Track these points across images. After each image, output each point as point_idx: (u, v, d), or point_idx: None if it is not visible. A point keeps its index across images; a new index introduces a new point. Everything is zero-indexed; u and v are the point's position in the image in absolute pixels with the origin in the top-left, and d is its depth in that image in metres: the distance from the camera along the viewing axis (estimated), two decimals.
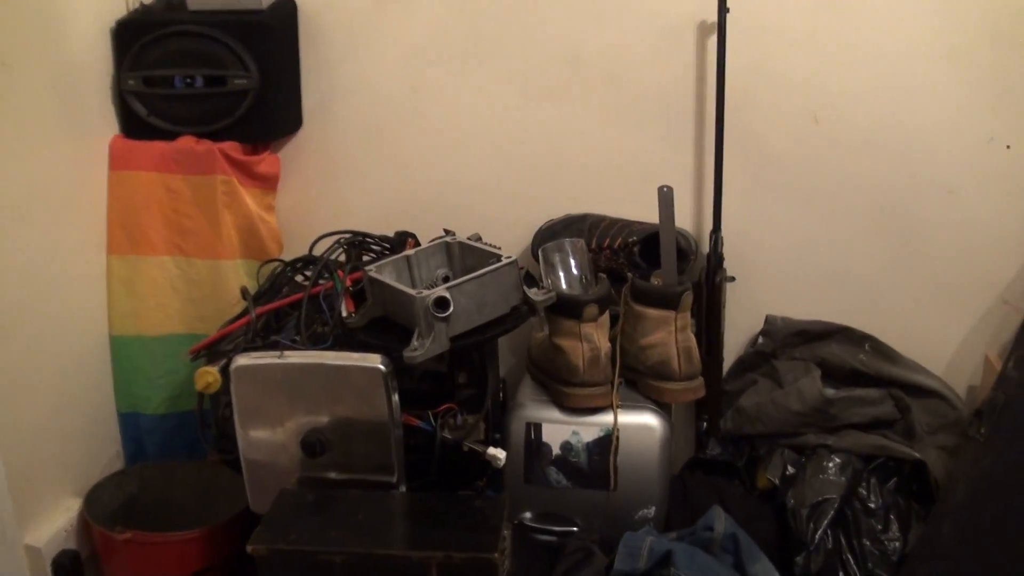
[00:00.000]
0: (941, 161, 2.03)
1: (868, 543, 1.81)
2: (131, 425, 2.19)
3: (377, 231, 2.05)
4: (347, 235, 1.99)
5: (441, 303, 1.59)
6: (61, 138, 1.95)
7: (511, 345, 2.17)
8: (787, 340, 2.09)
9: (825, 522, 1.80)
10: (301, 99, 2.21)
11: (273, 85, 2.07)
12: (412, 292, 1.61)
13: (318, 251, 2.00)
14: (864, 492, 1.86)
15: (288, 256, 2.07)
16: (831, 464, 1.88)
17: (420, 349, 1.59)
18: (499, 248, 1.76)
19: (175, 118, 2.09)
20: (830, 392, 1.98)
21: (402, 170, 2.23)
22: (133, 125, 2.10)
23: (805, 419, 1.96)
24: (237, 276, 2.12)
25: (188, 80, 2.06)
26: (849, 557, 1.80)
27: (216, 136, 2.08)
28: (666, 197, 1.83)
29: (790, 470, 1.93)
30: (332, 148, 2.23)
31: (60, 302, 1.98)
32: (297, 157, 2.24)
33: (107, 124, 2.10)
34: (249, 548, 1.47)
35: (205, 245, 2.11)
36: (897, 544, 1.81)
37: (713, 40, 1.99)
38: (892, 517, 1.84)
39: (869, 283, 2.11)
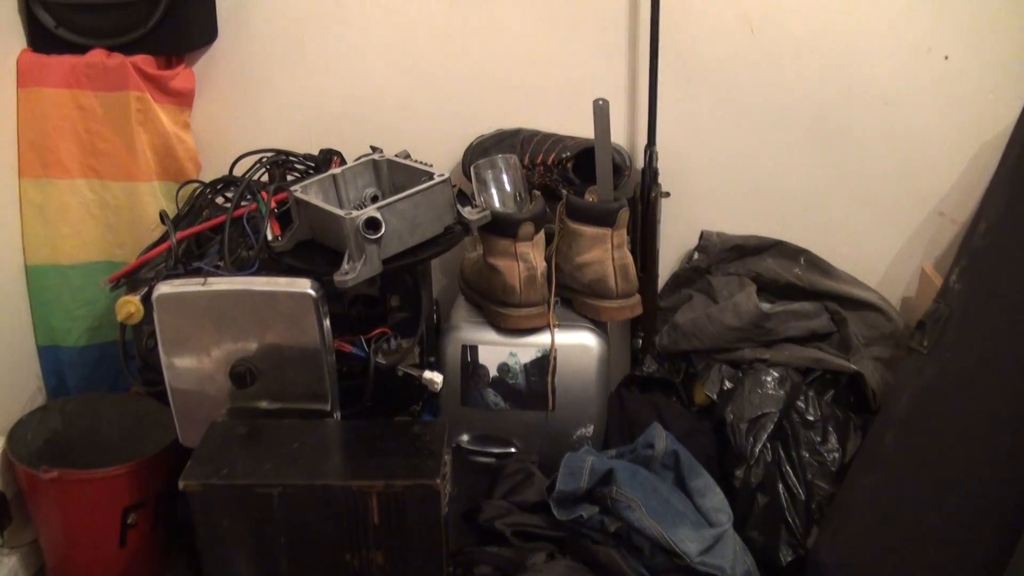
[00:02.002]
0: (878, 72, 2.01)
1: (807, 455, 1.83)
2: (51, 359, 2.13)
3: (299, 149, 1.98)
4: (269, 154, 1.91)
5: (372, 224, 1.53)
6: None
7: (442, 265, 2.14)
8: (722, 255, 2.08)
9: (765, 436, 1.81)
10: (215, 8, 2.10)
11: None
12: (341, 213, 1.55)
13: (238, 172, 1.93)
14: (802, 405, 1.87)
15: (206, 177, 2.00)
16: (769, 378, 1.88)
17: (351, 273, 1.54)
18: (430, 165, 1.71)
19: (85, 29, 1.99)
20: (766, 306, 1.98)
21: (324, 84, 2.14)
22: (41, 38, 2.00)
23: (741, 334, 1.96)
24: (155, 199, 2.05)
25: None
26: (788, 469, 1.82)
27: (128, 49, 1.99)
28: (601, 110, 1.79)
29: (727, 385, 1.93)
30: (249, 61, 2.14)
31: None
32: (212, 71, 2.15)
33: (13, 37, 1.99)
34: (181, 484, 1.42)
35: (120, 166, 2.02)
36: (836, 455, 1.83)
37: None
38: (830, 429, 1.86)
39: (804, 196, 2.10)
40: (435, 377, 1.66)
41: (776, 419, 1.83)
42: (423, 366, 1.73)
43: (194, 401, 1.65)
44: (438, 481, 1.40)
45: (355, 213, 1.54)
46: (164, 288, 1.59)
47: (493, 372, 1.81)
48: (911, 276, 2.13)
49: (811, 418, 1.86)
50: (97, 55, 1.98)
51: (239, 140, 2.05)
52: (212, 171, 2.06)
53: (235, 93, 2.16)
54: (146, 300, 1.61)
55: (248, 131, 2.13)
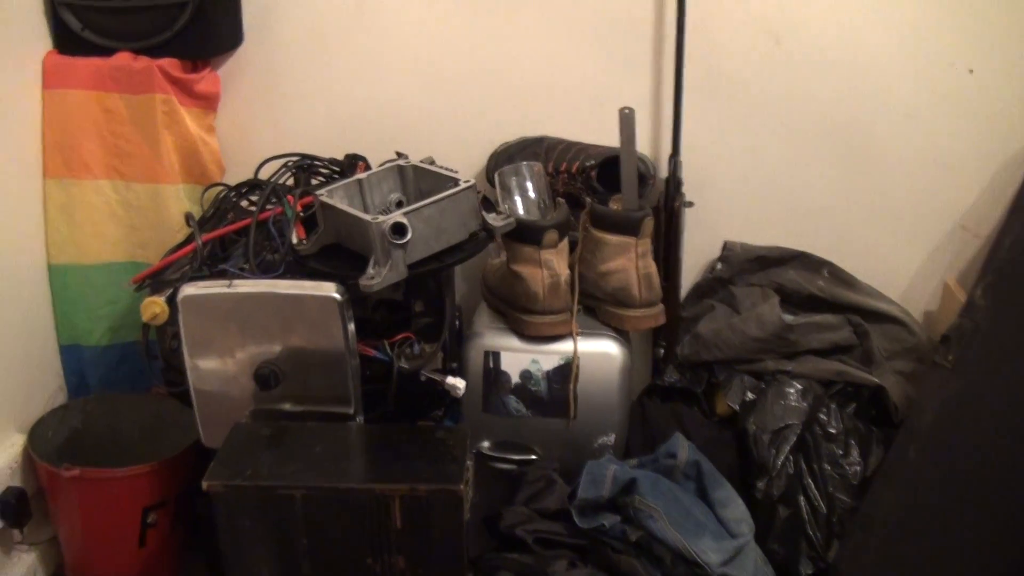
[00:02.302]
0: (901, 85, 2.01)
1: (829, 467, 1.82)
2: (73, 358, 2.13)
3: (323, 154, 1.98)
4: (295, 158, 1.92)
5: (398, 229, 1.53)
6: None
7: (463, 272, 2.14)
8: (745, 266, 2.07)
9: (787, 448, 1.81)
10: (241, 13, 2.11)
11: None
12: (367, 217, 1.55)
13: (263, 175, 1.94)
14: (824, 417, 1.86)
15: (230, 180, 2.01)
16: (792, 390, 1.88)
17: (377, 277, 1.54)
18: (455, 172, 1.71)
19: (111, 32, 1.99)
20: (789, 318, 1.97)
21: (348, 89, 2.15)
22: (67, 40, 2.00)
23: (764, 345, 1.95)
24: (179, 201, 2.05)
25: None
26: (810, 481, 1.81)
27: (153, 52, 1.99)
28: (627, 119, 1.79)
29: (750, 396, 1.93)
30: (274, 66, 2.15)
31: None
32: (237, 75, 2.15)
33: (39, 39, 2.00)
34: (204, 485, 1.42)
35: (145, 168, 2.03)
36: (857, 468, 1.83)
37: None
38: (852, 442, 1.85)
39: (827, 208, 2.10)
40: (458, 383, 1.66)
41: (798, 431, 1.82)
42: (446, 371, 1.73)
43: (217, 402, 1.65)
44: (461, 487, 1.39)
45: (381, 218, 1.54)
46: (189, 290, 1.59)
47: (515, 379, 1.81)
48: (934, 290, 2.12)
49: (833, 431, 1.86)
50: (123, 58, 1.98)
51: (263, 144, 2.06)
52: (235, 174, 2.07)
53: (260, 97, 2.17)
54: (171, 301, 1.61)
55: (272, 135, 2.13)
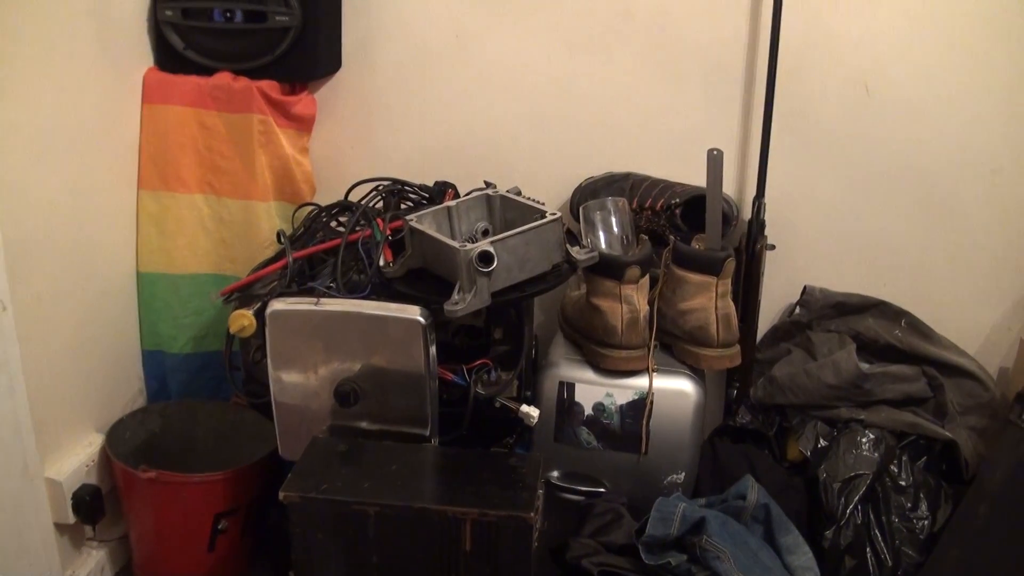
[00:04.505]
0: (989, 139, 1.99)
1: (897, 520, 1.80)
2: (155, 363, 2.18)
3: (412, 180, 2.01)
4: (386, 182, 1.95)
5: (485, 257, 1.56)
6: (94, 68, 1.91)
7: (541, 301, 2.14)
8: (823, 312, 2.06)
9: (857, 497, 1.79)
10: (341, 40, 2.16)
11: (314, 24, 2.02)
12: (456, 244, 1.58)
13: (353, 197, 1.98)
14: (895, 469, 1.85)
15: (320, 201, 2.05)
16: (864, 440, 1.86)
17: (461, 303, 1.56)
18: (542, 203, 1.73)
19: (212, 53, 2.05)
20: (865, 367, 1.96)
21: (440, 119, 2.18)
22: (168, 58, 2.06)
23: (839, 392, 1.94)
24: (269, 218, 2.09)
25: (228, 14, 2.02)
26: (877, 533, 1.80)
27: (253, 74, 2.04)
28: (715, 160, 1.80)
29: (822, 443, 1.91)
30: (369, 92, 2.19)
31: (88, 236, 1.95)
32: (333, 100, 2.20)
33: (142, 56, 2.06)
34: (281, 495, 1.45)
35: (238, 185, 2.08)
36: (925, 523, 1.81)
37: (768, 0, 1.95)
38: (922, 496, 1.83)
39: (908, 258, 2.09)
40: (532, 411, 1.68)
41: (869, 481, 1.81)
42: (520, 399, 1.75)
43: (296, 415, 1.69)
44: (532, 514, 1.41)
45: (469, 246, 1.56)
46: (278, 305, 1.63)
47: (588, 411, 1.82)
48: (1009, 346, 2.09)
49: (903, 483, 1.84)
50: (223, 77, 2.03)
51: (354, 167, 2.11)
52: (325, 195, 2.11)
53: (353, 122, 2.21)
54: (258, 315, 1.65)
55: (364, 159, 2.18)
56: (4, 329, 1.67)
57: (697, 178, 1.88)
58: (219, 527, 1.93)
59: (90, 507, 1.92)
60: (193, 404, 2.15)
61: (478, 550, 1.44)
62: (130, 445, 2.02)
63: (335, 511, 1.45)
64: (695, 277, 1.80)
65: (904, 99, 1.99)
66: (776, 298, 2.13)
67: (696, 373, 1.84)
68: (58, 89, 1.81)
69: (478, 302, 1.58)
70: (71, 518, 1.90)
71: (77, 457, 1.94)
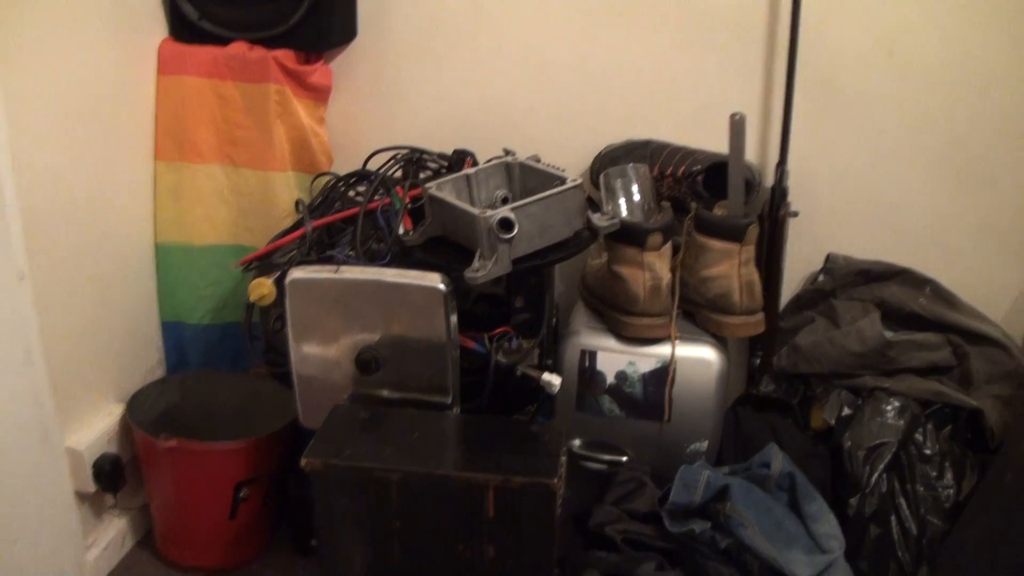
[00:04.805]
0: (1017, 103, 1.95)
1: (922, 489, 1.79)
2: (174, 334, 2.18)
3: (431, 148, 2.00)
4: (404, 151, 1.94)
5: (505, 224, 1.55)
6: (108, 39, 1.90)
7: (562, 270, 2.13)
8: (847, 279, 2.04)
9: (881, 466, 1.78)
10: (356, 8, 2.14)
11: None
12: (476, 212, 1.57)
13: (371, 167, 1.97)
14: (920, 438, 1.83)
15: (337, 170, 2.04)
16: (889, 408, 1.85)
17: (482, 270, 1.56)
18: (562, 170, 1.71)
19: (227, 22, 2.03)
20: (889, 335, 1.94)
21: (458, 86, 2.16)
22: (183, 28, 2.05)
23: (863, 360, 1.92)
24: (287, 189, 2.09)
25: None
26: (902, 501, 1.78)
27: (268, 43, 2.03)
28: (738, 125, 1.77)
29: (847, 411, 1.90)
30: (386, 61, 2.17)
31: (105, 207, 1.96)
32: (349, 69, 2.19)
33: (156, 26, 2.05)
34: (303, 462, 1.45)
35: (256, 155, 2.07)
36: (951, 492, 1.79)
37: None
38: (947, 464, 1.81)
39: (933, 225, 2.06)
40: (553, 379, 1.67)
41: (894, 449, 1.79)
42: (542, 368, 1.74)
43: (317, 384, 1.69)
44: (555, 481, 1.40)
45: (489, 213, 1.55)
46: (297, 274, 1.63)
47: (610, 379, 1.81)
48: None
49: (928, 452, 1.82)
50: (239, 47, 2.02)
51: (372, 136, 2.09)
52: (343, 165, 2.10)
53: (371, 91, 2.20)
54: (278, 284, 1.65)
55: (381, 128, 2.16)
56: (22, 299, 1.68)
57: (718, 144, 1.86)
58: (240, 495, 1.94)
59: (111, 476, 1.94)
60: (213, 374, 2.16)
61: (501, 517, 1.43)
62: (150, 415, 2.03)
63: (357, 478, 1.45)
64: (718, 244, 1.78)
65: (928, 62, 1.96)
66: (799, 266, 2.11)
67: (719, 341, 1.82)
68: (73, 61, 1.80)
69: (499, 269, 1.57)
70: (92, 487, 1.92)
71: (97, 427, 1.95)
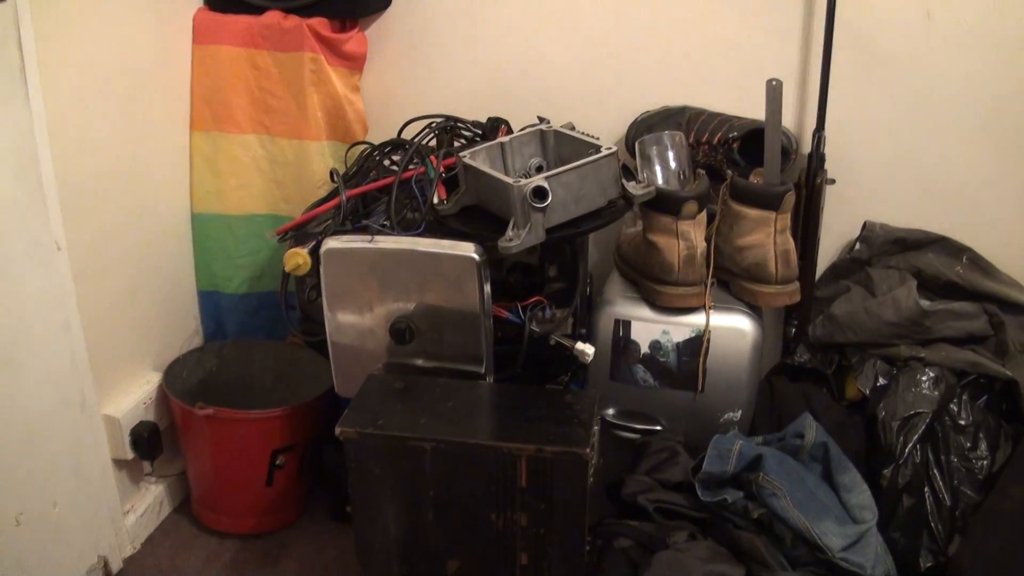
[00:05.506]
0: None
1: (956, 460, 1.78)
2: (211, 303, 2.21)
3: (465, 116, 1.98)
4: (438, 119, 1.93)
5: (539, 193, 1.54)
6: (144, 8, 1.91)
7: (596, 239, 2.13)
8: (884, 247, 2.02)
9: (916, 436, 1.77)
10: None
11: None
12: (510, 180, 1.56)
13: (406, 135, 1.96)
14: (955, 408, 1.82)
15: (372, 139, 2.03)
16: (925, 378, 1.83)
17: (515, 239, 1.55)
18: (597, 138, 1.70)
19: None
20: (925, 304, 1.92)
21: (493, 53, 2.15)
22: None
23: (899, 330, 1.90)
24: (323, 158, 2.09)
25: None
26: (936, 472, 1.77)
27: (303, 12, 2.03)
28: (775, 91, 1.76)
29: (881, 381, 1.88)
30: (420, 29, 2.16)
31: (142, 177, 1.97)
32: (383, 37, 2.18)
33: None
34: (338, 431, 1.47)
35: (291, 125, 2.08)
36: (985, 463, 1.78)
37: None
38: (981, 435, 1.80)
39: (971, 193, 2.02)
40: (587, 349, 1.66)
41: (928, 420, 1.78)
42: (575, 337, 1.74)
43: (352, 353, 1.70)
44: (588, 450, 1.41)
45: (523, 181, 1.54)
46: (332, 243, 1.63)
47: (644, 349, 1.80)
48: None
49: (963, 422, 1.81)
50: (273, 16, 2.02)
51: (406, 105, 2.09)
52: (378, 134, 2.10)
53: (405, 59, 2.19)
54: (313, 253, 1.65)
55: (416, 96, 2.16)
56: (59, 268, 1.70)
57: (755, 111, 1.84)
58: (277, 463, 1.96)
59: (148, 443, 1.97)
60: (249, 343, 2.18)
61: (534, 486, 1.44)
62: (187, 384, 2.06)
63: (392, 446, 1.46)
64: (753, 212, 1.77)
65: (968, 24, 1.91)
66: (836, 234, 2.08)
67: (753, 310, 1.81)
68: (109, 31, 1.81)
69: (533, 238, 1.56)
70: (129, 454, 1.95)
71: (135, 395, 1.98)
